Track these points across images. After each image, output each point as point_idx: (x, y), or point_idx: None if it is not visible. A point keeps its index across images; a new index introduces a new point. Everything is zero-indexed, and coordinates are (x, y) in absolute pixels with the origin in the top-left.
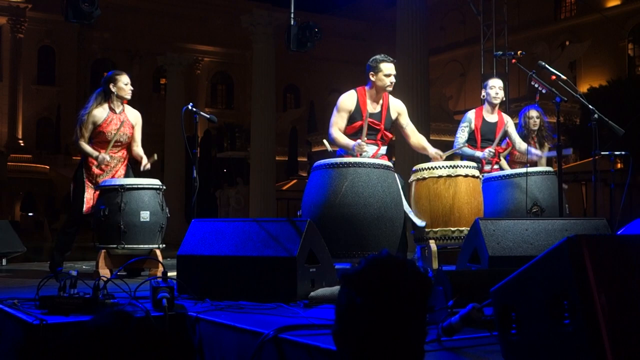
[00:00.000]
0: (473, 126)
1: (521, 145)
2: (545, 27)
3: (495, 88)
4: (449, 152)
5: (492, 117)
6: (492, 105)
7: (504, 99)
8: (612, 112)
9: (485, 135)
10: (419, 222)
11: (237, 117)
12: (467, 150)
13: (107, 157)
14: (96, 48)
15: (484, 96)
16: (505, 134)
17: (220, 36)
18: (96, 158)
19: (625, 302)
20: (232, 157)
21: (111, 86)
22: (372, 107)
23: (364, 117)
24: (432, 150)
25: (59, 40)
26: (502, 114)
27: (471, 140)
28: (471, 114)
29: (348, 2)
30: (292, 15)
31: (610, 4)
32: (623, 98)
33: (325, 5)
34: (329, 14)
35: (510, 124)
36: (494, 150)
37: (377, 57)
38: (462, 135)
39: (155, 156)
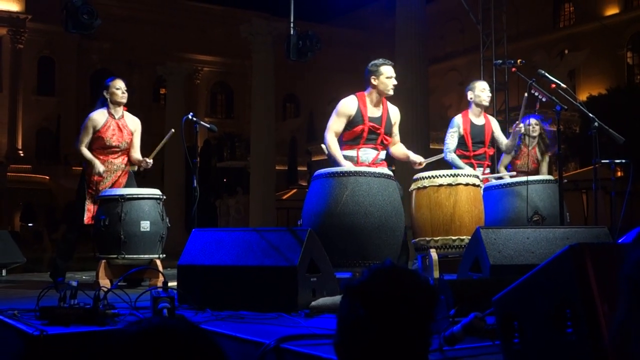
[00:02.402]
0: (462, 131)
1: (504, 141)
2: (544, 35)
3: (486, 90)
4: (430, 159)
5: (479, 120)
6: (481, 108)
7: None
8: (612, 120)
9: (475, 138)
10: None
11: (237, 126)
12: (458, 161)
13: (102, 169)
14: (96, 58)
15: (471, 98)
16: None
17: (219, 46)
18: (93, 165)
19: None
20: (232, 167)
21: (105, 93)
22: (373, 112)
23: (365, 121)
24: (413, 156)
25: (59, 51)
26: (488, 116)
27: (461, 145)
28: (458, 119)
29: (347, 11)
30: (291, 25)
31: (609, 13)
32: (622, 106)
33: (325, 15)
34: (329, 24)
35: (496, 126)
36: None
37: (376, 61)
38: (451, 141)
39: (173, 130)
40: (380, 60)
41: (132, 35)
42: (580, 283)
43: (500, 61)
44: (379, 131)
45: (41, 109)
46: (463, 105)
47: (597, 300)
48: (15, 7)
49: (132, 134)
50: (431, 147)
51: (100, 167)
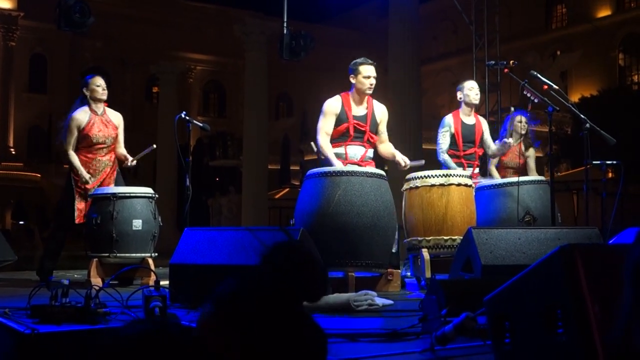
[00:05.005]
0: (453, 130)
1: (492, 146)
2: (537, 37)
3: (474, 89)
4: (415, 163)
5: (469, 120)
6: (471, 107)
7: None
8: (603, 121)
9: (466, 137)
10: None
11: (230, 125)
12: (450, 163)
13: (88, 177)
14: (88, 56)
15: (460, 98)
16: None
17: (212, 45)
18: (79, 174)
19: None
20: (224, 166)
21: (84, 90)
22: (357, 110)
23: (350, 119)
24: (399, 156)
25: (51, 49)
26: (478, 116)
27: (452, 145)
28: (449, 119)
29: (341, 11)
30: (284, 25)
31: (601, 14)
32: (614, 108)
33: (318, 15)
34: (322, 24)
35: (486, 127)
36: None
37: (358, 59)
38: (444, 141)
39: (154, 146)
40: (361, 59)
41: (125, 34)
42: (571, 283)
43: (493, 62)
44: (364, 129)
45: (33, 107)
46: (455, 105)
47: (588, 301)
48: (7, 4)
49: (116, 128)
50: (424, 147)
51: (86, 176)
